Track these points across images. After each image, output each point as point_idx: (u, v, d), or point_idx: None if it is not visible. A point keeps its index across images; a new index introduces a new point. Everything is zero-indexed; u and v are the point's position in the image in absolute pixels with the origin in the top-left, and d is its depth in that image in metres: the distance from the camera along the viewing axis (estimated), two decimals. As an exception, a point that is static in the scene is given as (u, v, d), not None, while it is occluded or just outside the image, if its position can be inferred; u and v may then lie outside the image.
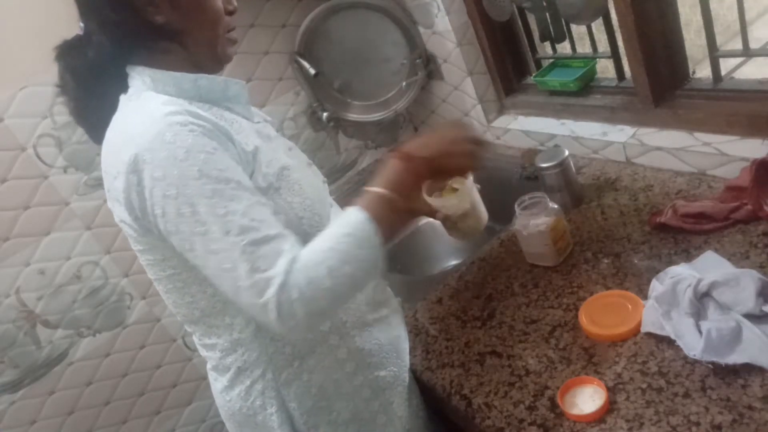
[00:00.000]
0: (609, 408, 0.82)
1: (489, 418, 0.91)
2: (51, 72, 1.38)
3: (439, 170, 0.91)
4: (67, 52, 0.86)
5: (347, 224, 0.79)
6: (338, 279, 0.75)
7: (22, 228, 1.43)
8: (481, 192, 1.08)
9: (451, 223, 1.08)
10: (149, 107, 0.79)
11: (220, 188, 0.74)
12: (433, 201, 1.04)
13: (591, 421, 0.81)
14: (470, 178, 1.05)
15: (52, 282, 1.49)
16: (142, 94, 0.82)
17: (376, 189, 0.84)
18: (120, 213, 0.82)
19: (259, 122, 0.93)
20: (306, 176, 0.92)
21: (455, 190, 1.04)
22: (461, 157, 0.92)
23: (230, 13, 0.87)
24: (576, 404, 0.84)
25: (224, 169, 0.75)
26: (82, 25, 0.84)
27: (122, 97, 0.85)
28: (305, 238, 0.83)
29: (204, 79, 0.85)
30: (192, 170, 0.73)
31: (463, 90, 1.70)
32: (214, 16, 0.84)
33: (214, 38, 0.86)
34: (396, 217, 0.84)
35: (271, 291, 0.72)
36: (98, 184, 1.51)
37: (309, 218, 0.87)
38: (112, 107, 0.85)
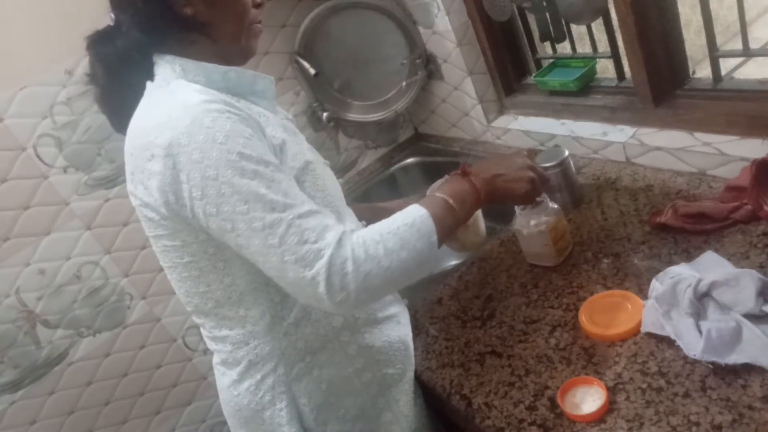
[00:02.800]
0: (609, 408, 0.82)
1: (489, 418, 0.91)
2: (51, 72, 1.40)
3: (498, 193, 0.96)
4: (98, 41, 0.87)
5: (409, 215, 0.83)
6: (394, 261, 0.77)
7: (22, 228, 1.43)
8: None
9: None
10: (183, 94, 0.80)
11: (261, 169, 0.75)
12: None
13: (591, 421, 0.81)
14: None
15: (52, 282, 1.49)
16: (171, 81, 0.83)
17: (439, 194, 0.89)
18: (144, 196, 0.81)
19: (283, 119, 0.94)
20: (326, 173, 0.94)
21: None
22: (520, 182, 0.97)
23: (257, 5, 0.88)
24: (576, 404, 0.84)
25: (263, 153, 0.77)
26: (112, 15, 0.86)
27: (149, 85, 0.85)
28: None
29: (233, 72, 0.86)
30: (232, 154, 0.74)
31: (463, 90, 1.70)
32: (241, 8, 0.85)
33: (240, 31, 0.87)
34: (453, 223, 0.88)
35: (322, 262, 0.74)
36: (98, 184, 1.51)
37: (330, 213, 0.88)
38: (137, 96, 0.86)
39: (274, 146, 0.82)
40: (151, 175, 0.78)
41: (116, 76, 0.87)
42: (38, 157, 1.42)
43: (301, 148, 0.89)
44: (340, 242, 0.76)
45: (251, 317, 0.90)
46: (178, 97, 0.80)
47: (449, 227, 0.87)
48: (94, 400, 1.61)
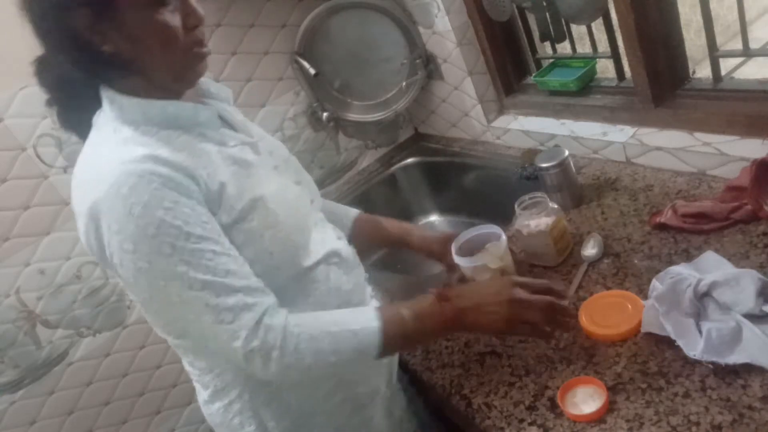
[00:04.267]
0: (609, 408, 0.82)
1: (489, 418, 0.91)
2: (51, 72, 1.40)
3: (469, 326, 0.87)
4: (41, 67, 0.83)
5: (359, 323, 0.81)
6: (318, 362, 0.78)
7: (22, 228, 1.43)
8: (481, 192, 1.08)
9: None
10: (109, 150, 0.76)
11: (180, 244, 0.73)
12: (458, 260, 1.05)
13: (591, 421, 0.81)
14: (503, 238, 1.05)
15: (52, 282, 1.49)
16: (107, 124, 0.79)
17: (405, 313, 0.83)
18: (85, 245, 0.79)
19: (235, 146, 0.86)
20: (287, 201, 0.88)
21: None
22: (494, 316, 0.84)
23: (193, 27, 0.77)
24: (576, 404, 0.84)
25: (184, 224, 0.73)
26: None
27: (95, 117, 0.82)
28: (275, 273, 0.83)
29: (172, 106, 0.80)
30: (149, 228, 0.71)
31: (463, 90, 1.70)
32: (168, 36, 0.75)
33: (173, 62, 0.78)
34: (404, 347, 0.87)
35: (237, 344, 0.75)
36: (98, 184, 1.51)
37: (280, 252, 0.84)
38: (90, 121, 0.82)
39: (210, 192, 0.78)
40: (81, 232, 0.77)
41: (63, 102, 0.85)
42: (38, 157, 1.42)
43: (250, 181, 0.83)
44: (262, 325, 0.76)
45: (211, 349, 0.88)
46: (103, 154, 0.76)
47: (397, 347, 0.86)
48: (94, 400, 1.61)
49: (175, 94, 0.83)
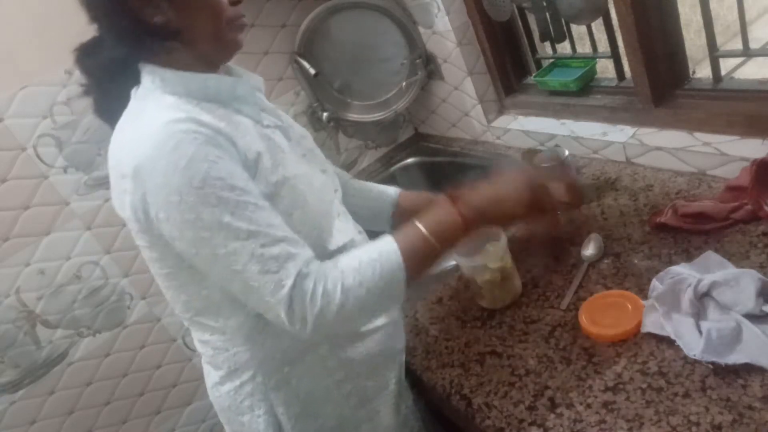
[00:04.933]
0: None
1: (489, 418, 0.91)
2: (51, 72, 1.40)
3: (488, 220, 0.88)
4: (84, 54, 0.86)
5: (377, 250, 0.81)
6: (349, 299, 0.78)
7: (22, 228, 1.43)
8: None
9: (476, 287, 1.08)
10: (153, 113, 0.79)
11: (225, 195, 0.75)
12: (458, 260, 1.05)
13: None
14: (503, 238, 1.04)
15: (52, 282, 1.49)
16: (149, 95, 0.82)
17: (422, 225, 0.83)
18: (121, 210, 0.82)
19: (268, 126, 0.91)
20: (314, 187, 0.91)
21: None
22: (515, 207, 0.88)
23: (234, 3, 0.84)
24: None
25: (228, 177, 0.76)
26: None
27: (133, 92, 0.85)
28: None
29: (212, 80, 0.85)
30: (195, 179, 0.73)
31: (463, 90, 1.70)
32: (215, 9, 0.82)
33: (217, 31, 0.84)
34: (429, 255, 0.84)
35: (283, 293, 0.75)
36: (98, 184, 1.51)
37: (307, 232, 0.86)
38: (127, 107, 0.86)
39: (248, 159, 0.81)
40: (123, 192, 0.79)
41: (106, 88, 0.87)
42: (38, 157, 1.42)
43: (283, 159, 0.87)
44: (301, 273, 0.76)
45: (230, 326, 0.90)
46: (146, 116, 0.79)
47: (424, 260, 0.84)
48: (94, 400, 1.61)
49: (214, 67, 0.87)
